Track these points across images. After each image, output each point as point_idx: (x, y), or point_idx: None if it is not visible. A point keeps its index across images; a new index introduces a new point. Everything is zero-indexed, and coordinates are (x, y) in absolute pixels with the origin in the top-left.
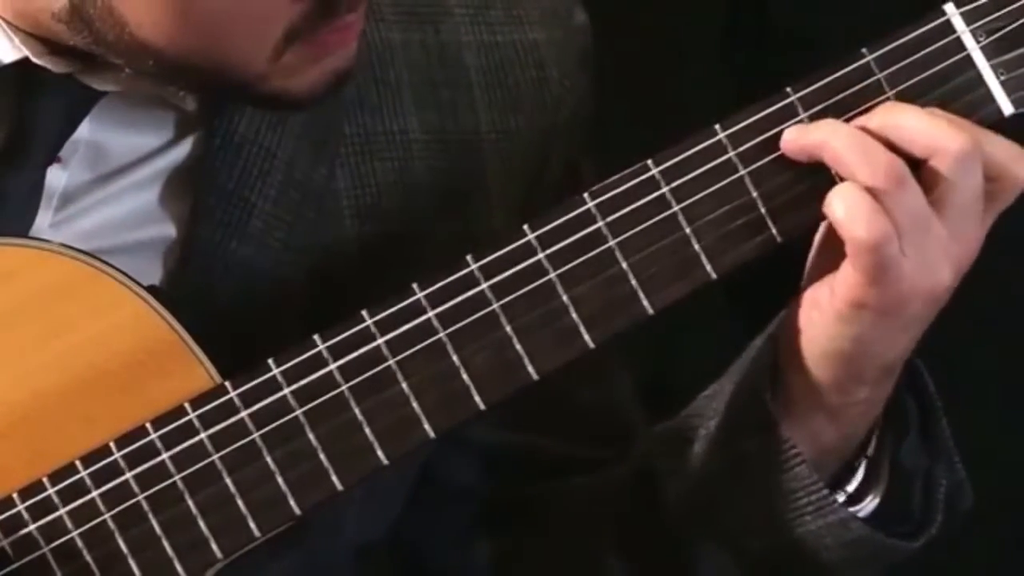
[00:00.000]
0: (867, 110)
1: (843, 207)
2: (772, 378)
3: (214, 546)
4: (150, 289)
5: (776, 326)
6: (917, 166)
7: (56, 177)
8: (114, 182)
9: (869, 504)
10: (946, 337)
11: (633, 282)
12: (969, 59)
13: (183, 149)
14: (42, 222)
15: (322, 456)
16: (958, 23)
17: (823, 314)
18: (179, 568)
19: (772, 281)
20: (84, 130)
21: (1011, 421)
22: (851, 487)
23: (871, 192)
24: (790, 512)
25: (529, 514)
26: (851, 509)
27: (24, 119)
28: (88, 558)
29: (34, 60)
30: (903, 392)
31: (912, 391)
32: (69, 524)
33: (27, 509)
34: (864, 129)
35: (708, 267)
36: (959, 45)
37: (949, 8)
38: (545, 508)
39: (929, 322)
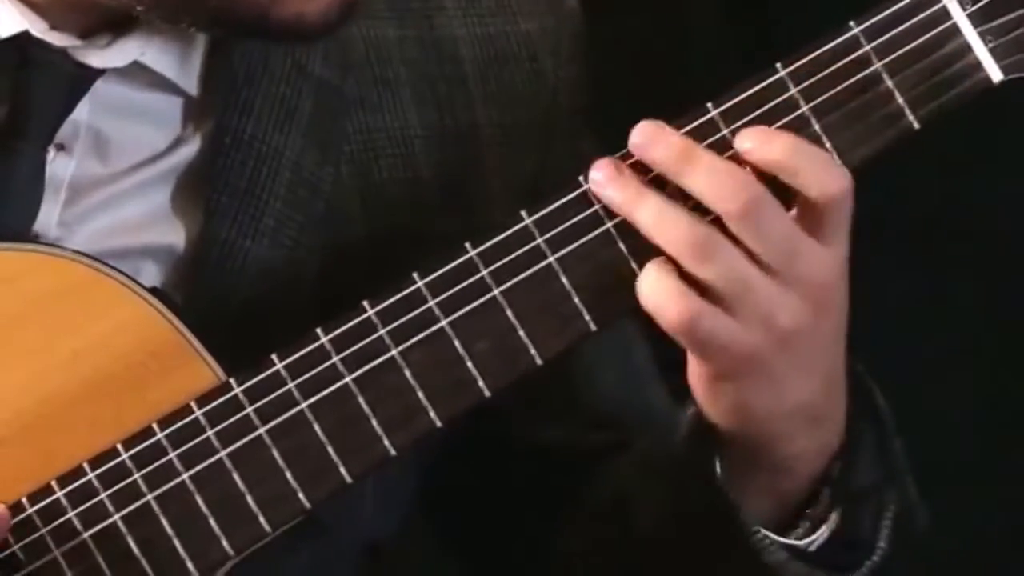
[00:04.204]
0: (857, 83)
1: (651, 294)
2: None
3: (225, 543)
4: (152, 291)
5: None
6: None
7: (62, 166)
8: (125, 179)
9: (830, 525)
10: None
11: (634, 263)
12: (956, 27)
13: (191, 147)
14: (49, 216)
15: (329, 449)
16: None
17: (698, 396)
18: (191, 567)
19: None
20: (83, 112)
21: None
22: (814, 511)
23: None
24: (745, 553)
25: (564, 505)
26: (814, 535)
27: (21, 98)
28: (99, 559)
29: (34, 34)
30: (856, 415)
31: (865, 413)
32: (79, 526)
33: (38, 513)
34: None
35: None
36: (946, 14)
37: None
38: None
39: (817, 368)
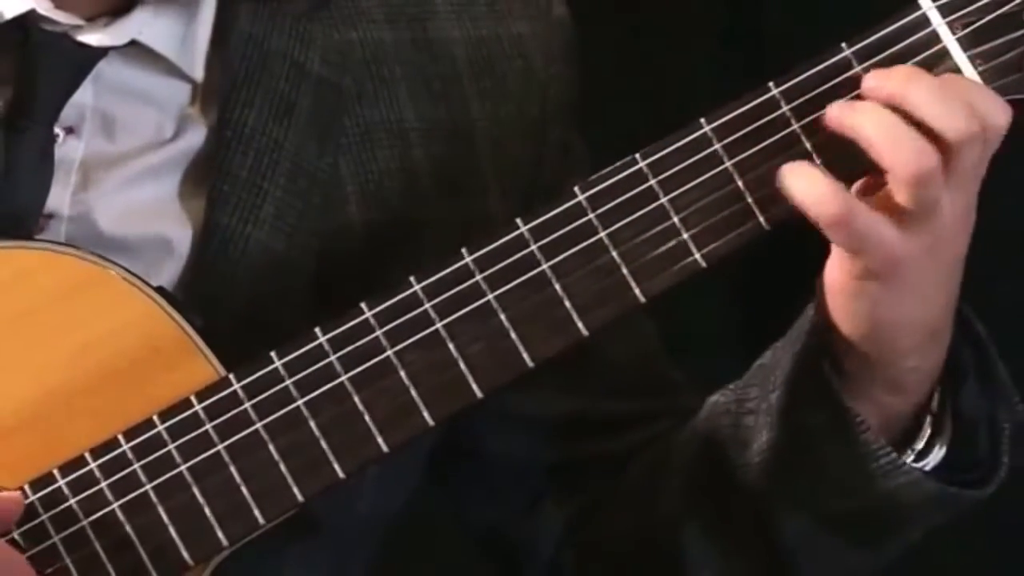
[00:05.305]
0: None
1: (807, 191)
2: (829, 351)
3: (220, 534)
4: (157, 290)
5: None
6: None
7: (72, 148)
8: (135, 161)
9: (936, 454)
10: None
11: (624, 271)
12: (946, 51)
13: (197, 136)
14: (61, 198)
15: (323, 445)
16: (934, 16)
17: (835, 298)
18: (185, 555)
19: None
20: (87, 95)
21: None
22: (919, 444)
23: (897, 181)
24: (862, 476)
25: (595, 475)
26: (919, 464)
27: (26, 79)
28: (97, 546)
29: (41, 12)
30: (958, 342)
31: (967, 340)
32: (79, 513)
33: (39, 500)
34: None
35: (697, 255)
36: (936, 38)
37: (925, 2)
38: (610, 469)
39: (948, 281)
